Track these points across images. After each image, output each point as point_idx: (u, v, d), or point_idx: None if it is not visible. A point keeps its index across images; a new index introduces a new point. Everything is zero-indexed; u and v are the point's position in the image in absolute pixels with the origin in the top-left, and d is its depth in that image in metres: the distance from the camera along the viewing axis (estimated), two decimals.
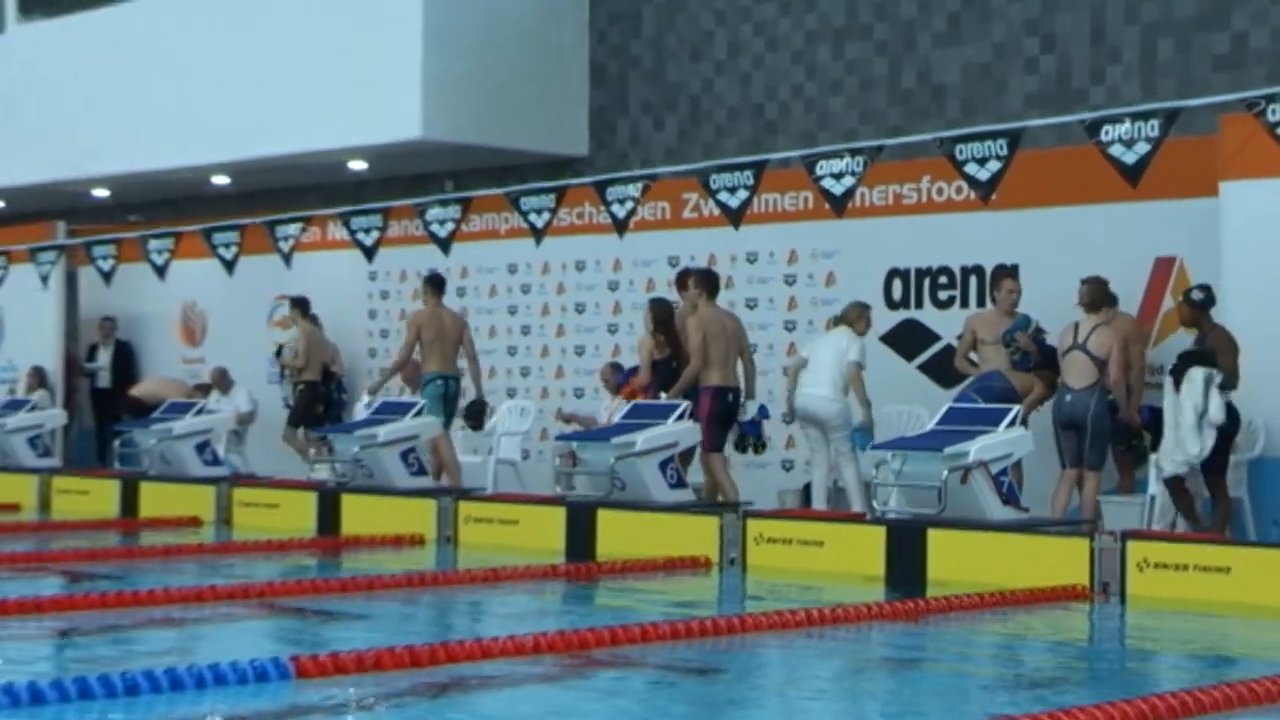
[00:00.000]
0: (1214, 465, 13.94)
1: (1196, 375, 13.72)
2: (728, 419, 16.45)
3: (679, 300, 17.08)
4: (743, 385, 16.61)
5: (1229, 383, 13.83)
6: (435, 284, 18.93)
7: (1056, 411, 14.78)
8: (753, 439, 16.61)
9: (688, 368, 16.51)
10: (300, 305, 21.12)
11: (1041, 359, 15.21)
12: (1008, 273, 15.55)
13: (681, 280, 17.03)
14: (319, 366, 20.91)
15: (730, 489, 16.44)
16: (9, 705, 7.67)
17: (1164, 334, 15.20)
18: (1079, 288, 14.62)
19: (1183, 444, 13.69)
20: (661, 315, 17.09)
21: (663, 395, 16.81)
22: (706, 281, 16.86)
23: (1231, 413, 14.02)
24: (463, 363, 18.65)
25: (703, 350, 16.33)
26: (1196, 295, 14.32)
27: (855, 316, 16.03)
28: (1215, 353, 13.96)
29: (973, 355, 15.62)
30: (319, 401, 20.94)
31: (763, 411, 16.74)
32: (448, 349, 18.56)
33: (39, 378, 22.77)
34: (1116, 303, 14.93)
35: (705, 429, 16.19)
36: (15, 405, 22.34)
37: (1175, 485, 13.98)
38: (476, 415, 18.85)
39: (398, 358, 19.13)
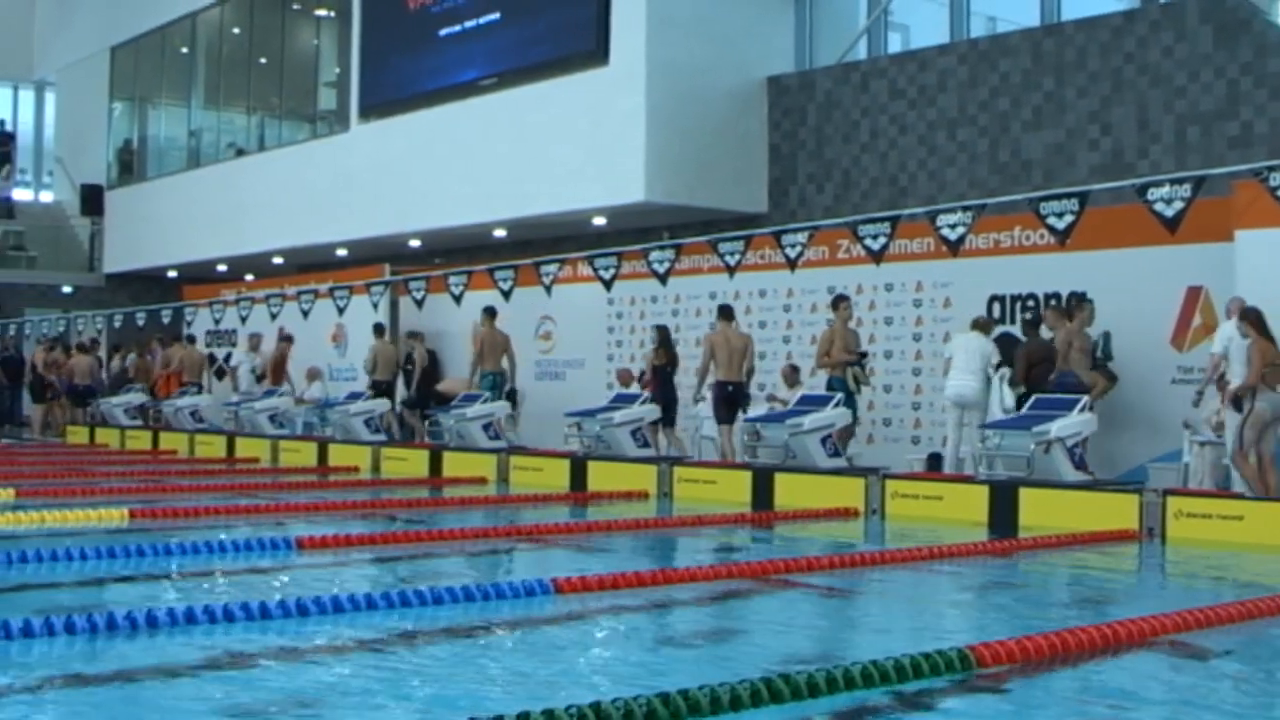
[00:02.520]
0: None
1: (1002, 374, 14.79)
2: (730, 402, 16.92)
3: (832, 316, 17.07)
4: (745, 379, 17.04)
5: (1013, 381, 14.62)
6: (489, 312, 20.19)
7: None
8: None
9: (697, 368, 17.36)
10: (377, 329, 22.60)
11: (1104, 360, 15.00)
12: (1081, 299, 15.27)
13: (835, 303, 16.96)
14: (388, 370, 22.51)
15: (730, 452, 16.73)
16: (351, 609, 7.88)
17: (1194, 342, 14.90)
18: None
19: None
20: (663, 336, 18.06)
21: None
22: (721, 312, 17.41)
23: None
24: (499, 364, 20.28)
25: (710, 356, 17.02)
26: (1028, 316, 14.99)
27: (985, 324, 15.81)
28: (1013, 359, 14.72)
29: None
30: (389, 394, 22.41)
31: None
32: (497, 355, 20.26)
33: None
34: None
35: (714, 409, 17.08)
36: (355, 396, 22.73)
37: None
38: (511, 397, 20.43)
39: (471, 362, 20.53)
